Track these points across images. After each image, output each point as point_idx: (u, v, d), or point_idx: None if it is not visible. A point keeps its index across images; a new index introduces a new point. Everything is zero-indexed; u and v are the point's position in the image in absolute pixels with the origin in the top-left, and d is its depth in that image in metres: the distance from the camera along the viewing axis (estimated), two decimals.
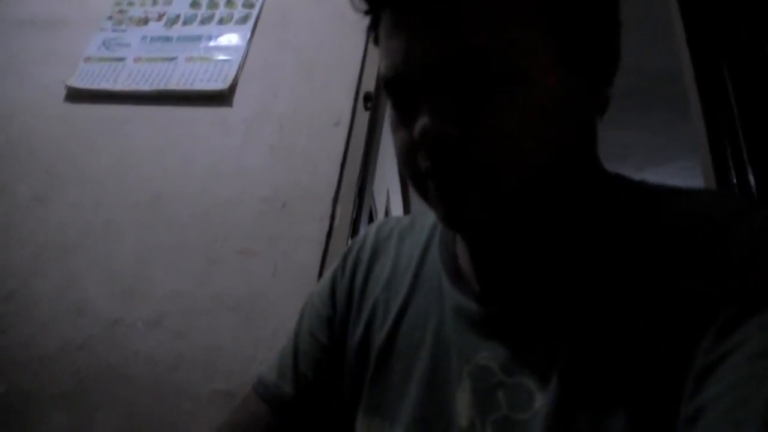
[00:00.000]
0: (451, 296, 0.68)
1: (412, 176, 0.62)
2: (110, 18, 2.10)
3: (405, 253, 0.79)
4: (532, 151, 0.55)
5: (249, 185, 1.70)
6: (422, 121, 0.55)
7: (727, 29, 1.59)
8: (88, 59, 2.00)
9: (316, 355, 0.79)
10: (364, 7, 0.61)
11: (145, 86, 1.90)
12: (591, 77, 0.60)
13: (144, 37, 2.03)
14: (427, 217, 0.81)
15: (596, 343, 0.54)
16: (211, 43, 1.96)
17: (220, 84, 1.86)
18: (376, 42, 0.64)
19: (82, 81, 1.95)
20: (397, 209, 4.56)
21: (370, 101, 1.81)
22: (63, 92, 1.95)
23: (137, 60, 1.97)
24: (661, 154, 4.33)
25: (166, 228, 1.67)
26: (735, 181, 1.40)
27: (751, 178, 1.37)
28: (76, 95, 1.94)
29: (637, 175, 0.66)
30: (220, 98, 1.85)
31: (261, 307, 1.53)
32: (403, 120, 0.60)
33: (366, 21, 0.65)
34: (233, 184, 1.71)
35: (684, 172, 4.32)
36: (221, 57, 1.92)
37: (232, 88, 1.86)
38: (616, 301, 0.54)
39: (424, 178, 0.59)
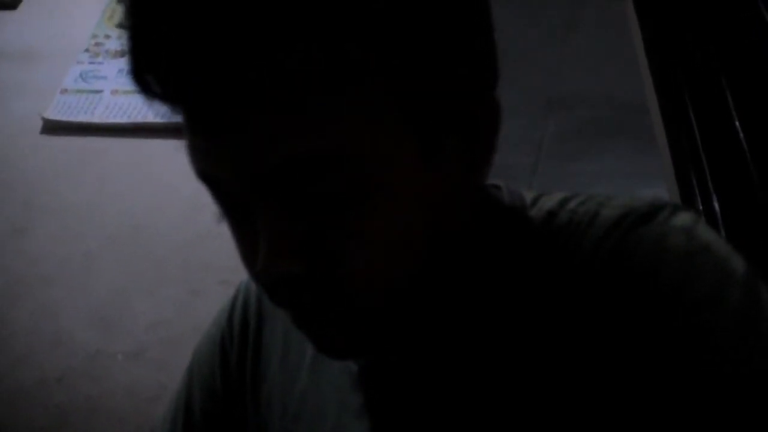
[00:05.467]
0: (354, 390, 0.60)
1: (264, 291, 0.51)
2: (87, 50, 2.11)
3: None
4: (394, 275, 0.47)
5: None
6: (261, 256, 0.45)
7: (688, 61, 1.67)
8: (64, 91, 2.00)
9: None
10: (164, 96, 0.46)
11: (122, 118, 1.90)
12: (466, 159, 0.50)
13: (120, 70, 2.03)
14: None
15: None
16: None
17: None
18: None
19: (59, 113, 1.95)
20: None
21: None
22: (39, 124, 1.94)
23: (114, 92, 1.98)
24: (628, 183, 4.43)
25: (146, 259, 1.66)
26: (701, 207, 1.46)
27: (716, 205, 1.43)
28: (52, 127, 1.93)
29: None
30: None
31: None
32: (237, 227, 0.52)
33: None
34: (214, 215, 1.71)
35: None
36: None
37: None
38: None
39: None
